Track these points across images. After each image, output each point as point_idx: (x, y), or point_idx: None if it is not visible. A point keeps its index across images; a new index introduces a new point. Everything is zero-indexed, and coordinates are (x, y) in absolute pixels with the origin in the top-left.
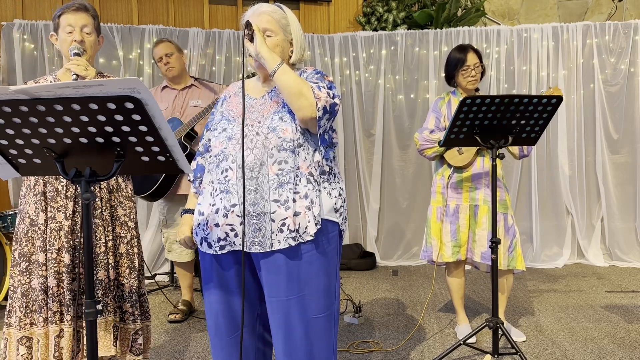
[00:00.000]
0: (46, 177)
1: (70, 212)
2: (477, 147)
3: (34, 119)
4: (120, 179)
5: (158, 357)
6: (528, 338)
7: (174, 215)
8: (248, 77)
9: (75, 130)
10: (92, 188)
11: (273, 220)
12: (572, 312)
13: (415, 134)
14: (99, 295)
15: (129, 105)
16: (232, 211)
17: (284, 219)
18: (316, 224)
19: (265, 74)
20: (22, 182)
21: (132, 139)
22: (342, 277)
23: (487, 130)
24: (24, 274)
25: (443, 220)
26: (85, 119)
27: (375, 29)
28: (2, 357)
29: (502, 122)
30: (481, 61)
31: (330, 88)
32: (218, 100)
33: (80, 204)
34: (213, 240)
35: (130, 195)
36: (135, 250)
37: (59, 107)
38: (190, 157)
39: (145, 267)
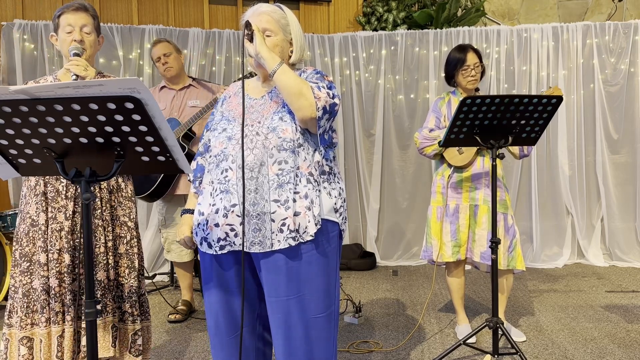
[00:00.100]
0: (46, 177)
1: (71, 213)
2: (477, 147)
3: (34, 119)
4: (120, 179)
5: (158, 357)
6: (528, 338)
7: (173, 215)
8: (246, 77)
9: (75, 130)
10: (92, 188)
11: (273, 220)
12: (572, 312)
13: (415, 134)
14: (98, 295)
15: (129, 105)
16: (232, 211)
17: (284, 219)
18: (316, 224)
19: (265, 74)
20: (23, 182)
21: (132, 139)
22: (342, 277)
23: (487, 130)
24: (25, 274)
25: (443, 220)
26: (85, 119)
27: (375, 29)
28: (3, 358)
29: (502, 122)
30: (481, 61)
31: (330, 88)
32: (217, 100)
33: (80, 204)
34: (213, 240)
35: (130, 195)
36: (135, 250)
37: (59, 107)
38: (189, 157)
39: (144, 268)
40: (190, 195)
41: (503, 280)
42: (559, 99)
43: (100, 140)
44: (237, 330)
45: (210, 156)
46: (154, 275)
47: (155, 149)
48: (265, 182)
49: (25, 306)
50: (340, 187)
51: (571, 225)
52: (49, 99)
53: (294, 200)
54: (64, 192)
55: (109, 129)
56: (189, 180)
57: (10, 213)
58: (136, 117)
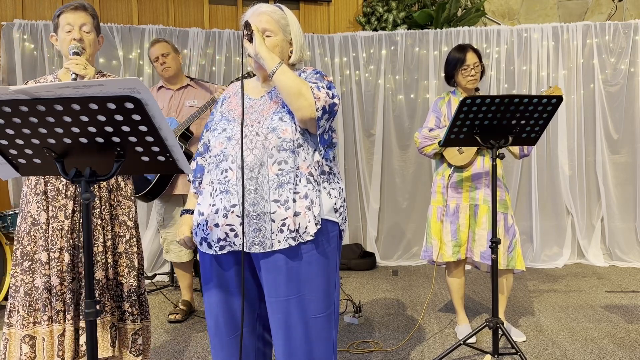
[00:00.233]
0: (47, 176)
1: (70, 212)
2: (477, 147)
3: (34, 119)
4: (120, 179)
5: (158, 357)
6: (528, 338)
7: (171, 215)
8: (245, 77)
9: (75, 130)
10: (91, 188)
11: (273, 221)
12: (572, 312)
13: (415, 133)
14: (96, 295)
15: (129, 105)
16: (232, 211)
17: (284, 219)
18: (316, 224)
19: (265, 74)
20: (24, 181)
21: (132, 139)
22: (342, 277)
23: (487, 130)
24: (27, 273)
25: (443, 220)
26: (85, 119)
27: (375, 29)
28: (2, 358)
29: (502, 122)
30: (480, 60)
31: (329, 88)
32: (214, 100)
33: (80, 203)
34: (213, 241)
35: (130, 194)
36: (135, 249)
37: (59, 107)
38: (187, 157)
39: (144, 267)
40: (189, 196)
41: (503, 280)
42: (559, 99)
43: (100, 140)
44: (237, 331)
45: (210, 156)
46: (154, 275)
47: (155, 149)
48: (265, 182)
49: (27, 305)
50: (340, 187)
51: (571, 225)
52: (49, 99)
53: (294, 201)
54: (63, 191)
55: (109, 129)
56: (188, 181)
57: (10, 213)
58: (136, 117)
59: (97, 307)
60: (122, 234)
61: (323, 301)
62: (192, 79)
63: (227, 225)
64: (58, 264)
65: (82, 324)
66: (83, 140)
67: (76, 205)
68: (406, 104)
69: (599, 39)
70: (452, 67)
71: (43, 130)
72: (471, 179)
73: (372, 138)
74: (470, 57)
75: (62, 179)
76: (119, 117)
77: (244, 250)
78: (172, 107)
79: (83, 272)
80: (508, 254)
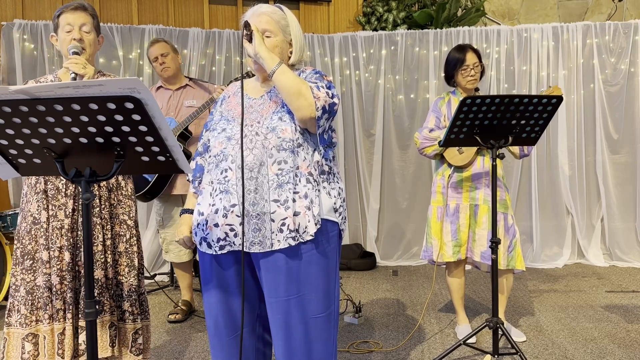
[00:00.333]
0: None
1: (70, 210)
2: (477, 147)
3: (34, 119)
4: (120, 178)
5: (158, 357)
6: (528, 338)
7: (170, 215)
8: (244, 77)
9: (75, 130)
10: (91, 187)
11: (273, 220)
12: (572, 312)
13: (416, 134)
14: (95, 294)
15: (129, 105)
16: (232, 211)
17: (284, 219)
18: (316, 224)
19: (264, 74)
20: (24, 181)
21: (132, 139)
22: (342, 277)
23: (487, 130)
24: (29, 271)
25: (443, 220)
26: (85, 119)
27: (375, 29)
28: (1, 358)
29: (502, 122)
30: (480, 61)
31: (329, 88)
32: (213, 100)
33: (79, 202)
34: (213, 241)
35: (130, 194)
36: (135, 249)
37: (59, 107)
38: (185, 157)
39: (144, 267)
40: (189, 195)
41: (503, 280)
42: (559, 99)
43: (100, 140)
44: (236, 331)
45: (209, 156)
46: (154, 275)
47: (155, 149)
48: (264, 182)
49: (29, 303)
50: (339, 187)
51: (571, 225)
52: (49, 99)
53: (294, 200)
54: (63, 190)
55: (109, 129)
56: (187, 180)
57: (10, 213)
58: (136, 117)
59: (97, 306)
60: (122, 233)
61: (323, 301)
62: (191, 79)
63: (226, 225)
64: (58, 262)
65: (82, 322)
66: (83, 140)
67: (76, 204)
68: (406, 104)
69: (599, 39)
70: (452, 67)
71: (43, 130)
72: (471, 179)
73: (372, 138)
74: (470, 58)
75: (62, 178)
76: (119, 117)
77: (244, 250)
78: (171, 107)
79: (82, 271)
80: (508, 254)
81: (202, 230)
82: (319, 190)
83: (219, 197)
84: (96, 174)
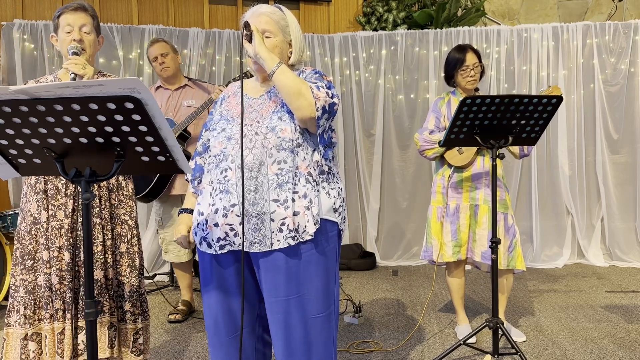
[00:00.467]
0: None
1: (70, 210)
2: (477, 147)
3: (34, 119)
4: (120, 178)
5: (158, 357)
6: (528, 338)
7: (169, 215)
8: (242, 77)
9: (75, 130)
10: (91, 187)
11: (272, 220)
12: (572, 312)
13: (416, 135)
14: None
15: (129, 105)
16: (232, 211)
17: (284, 219)
18: (315, 224)
19: (264, 74)
20: (23, 181)
21: (132, 139)
22: (342, 277)
23: (487, 130)
24: (30, 271)
25: (443, 220)
26: (85, 119)
27: (375, 29)
28: (0, 358)
29: (502, 122)
30: (480, 61)
31: (329, 88)
32: (212, 100)
33: (79, 202)
34: (212, 240)
35: (130, 194)
36: (136, 249)
37: (59, 107)
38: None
39: (144, 267)
40: (188, 195)
41: (503, 280)
42: (559, 99)
43: (100, 140)
44: (236, 331)
45: (209, 156)
46: (154, 275)
47: (155, 149)
48: (264, 181)
49: (32, 303)
50: (339, 187)
51: (571, 225)
52: (49, 99)
53: (293, 200)
54: (63, 190)
55: (109, 129)
56: (186, 180)
57: (10, 213)
58: (136, 117)
59: (97, 307)
60: (123, 234)
61: (323, 301)
62: (190, 79)
63: (226, 224)
64: (57, 262)
65: (81, 322)
66: (83, 140)
67: (76, 204)
68: (406, 104)
69: (599, 39)
70: (452, 67)
71: (43, 130)
72: (471, 179)
73: (372, 138)
74: (470, 58)
75: (62, 178)
76: (119, 117)
77: (244, 249)
78: (170, 107)
79: (81, 271)
80: (508, 254)
81: (202, 229)
82: (318, 190)
83: (218, 196)
84: (96, 174)
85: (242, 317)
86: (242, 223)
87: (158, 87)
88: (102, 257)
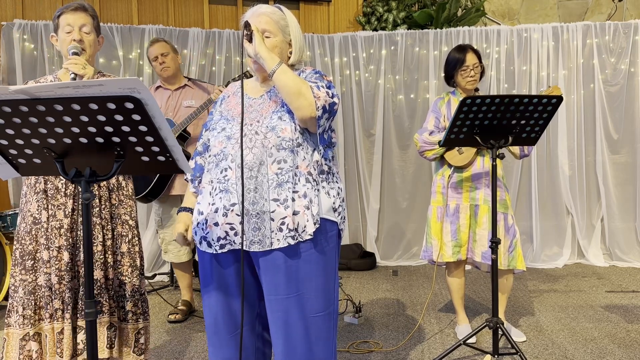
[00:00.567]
0: None
1: (70, 210)
2: (477, 147)
3: (34, 119)
4: (121, 178)
5: (158, 357)
6: (528, 338)
7: (169, 215)
8: (243, 77)
9: (75, 130)
10: (91, 187)
11: (272, 219)
12: (572, 312)
13: (415, 135)
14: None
15: (129, 105)
16: (232, 210)
17: (283, 218)
18: (315, 223)
19: (264, 74)
20: (23, 181)
21: (132, 139)
22: (342, 277)
23: (487, 130)
24: (29, 272)
25: (443, 220)
26: (85, 119)
27: (375, 29)
28: (0, 358)
29: (502, 122)
30: (480, 61)
31: (329, 87)
32: (211, 101)
33: (79, 202)
34: (212, 240)
35: (131, 193)
36: (137, 249)
37: (59, 107)
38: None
39: (144, 267)
40: (187, 194)
41: (503, 280)
42: (559, 99)
43: (100, 140)
44: (236, 329)
45: (209, 155)
46: (154, 275)
47: (155, 149)
48: (264, 181)
49: (32, 303)
50: (338, 187)
51: (571, 225)
52: (49, 99)
53: (293, 200)
54: (63, 190)
55: (109, 129)
56: (185, 180)
57: (10, 213)
58: (136, 117)
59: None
60: (124, 234)
61: (322, 300)
62: (190, 79)
63: (226, 224)
64: (57, 262)
65: (80, 322)
66: (83, 140)
67: (75, 203)
68: (406, 104)
69: (599, 39)
70: (452, 67)
71: (43, 130)
72: (471, 179)
73: (372, 138)
74: (470, 58)
75: (62, 178)
76: (119, 117)
77: (244, 249)
78: (170, 107)
79: (81, 271)
80: (509, 254)
81: (202, 229)
82: (318, 190)
83: (218, 196)
84: (96, 174)
85: (242, 316)
86: (242, 222)
87: (158, 87)
88: (101, 257)
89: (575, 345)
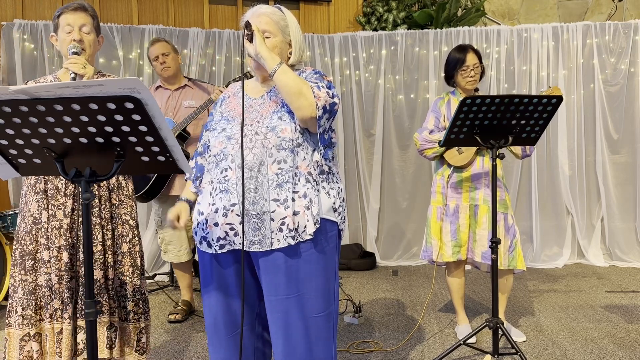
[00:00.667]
0: None
1: (69, 210)
2: (477, 147)
3: (34, 119)
4: (121, 178)
5: (158, 357)
6: (528, 338)
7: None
8: (243, 77)
9: (75, 130)
10: (91, 187)
11: (272, 220)
12: (572, 312)
13: (415, 134)
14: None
15: (129, 105)
16: (232, 210)
17: (284, 218)
18: (315, 223)
19: (264, 74)
20: (23, 181)
21: (132, 139)
22: (342, 277)
23: (487, 130)
24: (30, 272)
25: (443, 220)
26: (85, 119)
27: (375, 29)
28: (3, 358)
29: (502, 122)
30: (481, 62)
31: (329, 88)
32: (211, 101)
33: (79, 202)
34: (212, 240)
35: (131, 193)
36: (137, 249)
37: (59, 107)
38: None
39: (144, 267)
40: (186, 188)
41: (503, 280)
42: (559, 99)
43: (100, 140)
44: (235, 329)
45: (209, 156)
46: (154, 275)
47: (155, 149)
48: (264, 181)
49: (33, 303)
50: (338, 187)
51: (571, 225)
52: (49, 99)
53: (293, 200)
54: (63, 190)
55: (109, 129)
56: (185, 180)
57: (10, 213)
58: (136, 117)
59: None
60: (125, 234)
61: (322, 300)
62: (190, 79)
63: (226, 224)
64: (56, 262)
65: (79, 322)
66: (83, 140)
67: (75, 203)
68: (406, 104)
69: (599, 39)
70: (452, 67)
71: (43, 130)
72: (471, 179)
73: (372, 138)
74: (471, 58)
75: (61, 178)
76: (119, 117)
77: (244, 249)
78: (170, 107)
79: (80, 271)
80: (509, 254)
81: (202, 229)
82: (318, 190)
83: (218, 196)
84: (96, 174)
85: (243, 316)
86: (242, 222)
87: (158, 87)
88: (101, 257)
89: (575, 345)
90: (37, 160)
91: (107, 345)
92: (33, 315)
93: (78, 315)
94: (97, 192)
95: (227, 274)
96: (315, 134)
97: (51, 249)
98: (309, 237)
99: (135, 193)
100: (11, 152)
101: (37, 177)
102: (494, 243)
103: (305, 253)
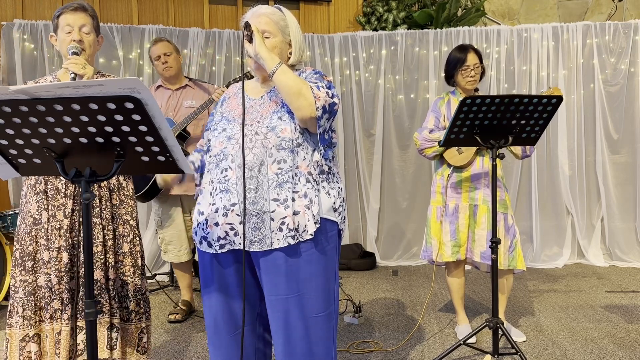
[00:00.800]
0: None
1: (69, 211)
2: (477, 147)
3: (34, 119)
4: (121, 178)
5: (158, 357)
6: (528, 338)
7: (169, 215)
8: (243, 78)
9: (75, 130)
10: (91, 187)
11: (272, 219)
12: (572, 312)
13: (415, 134)
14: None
15: (129, 105)
16: (232, 210)
17: (284, 218)
18: (315, 223)
19: (264, 74)
20: (23, 181)
21: (132, 139)
22: (342, 277)
23: (487, 130)
24: (30, 272)
25: (443, 220)
26: (85, 119)
27: (375, 29)
28: (4, 358)
29: (502, 122)
30: (481, 62)
31: (329, 88)
32: (211, 101)
33: (79, 202)
34: (213, 240)
35: (131, 193)
36: (138, 249)
37: (59, 107)
38: None
39: (145, 267)
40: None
41: (503, 280)
42: (559, 99)
43: (100, 140)
44: (236, 329)
45: (209, 156)
46: (154, 275)
47: (155, 149)
48: (264, 181)
49: (32, 304)
50: (339, 187)
51: (571, 225)
52: (49, 99)
53: (293, 200)
54: (63, 190)
55: (109, 129)
56: (181, 182)
57: (10, 213)
58: (136, 117)
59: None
60: (126, 234)
61: (322, 300)
62: (190, 79)
63: (227, 224)
64: (56, 263)
65: (79, 322)
66: (83, 140)
67: (75, 204)
68: (406, 104)
69: (599, 39)
70: (453, 67)
71: (43, 130)
72: (470, 179)
73: (372, 138)
74: (471, 58)
75: (62, 178)
76: (119, 117)
77: (244, 249)
78: (170, 107)
79: (80, 272)
80: (509, 254)
81: (202, 229)
82: (318, 190)
83: (219, 196)
84: (96, 174)
85: (244, 316)
86: (242, 222)
87: (158, 87)
88: (102, 257)
89: (575, 345)
90: (37, 160)
91: (108, 346)
92: (33, 316)
93: (78, 315)
94: (97, 193)
95: (227, 274)
96: (315, 134)
97: (51, 249)
98: (310, 236)
99: (135, 193)
100: (11, 152)
101: (37, 178)
102: (494, 243)
103: (306, 253)
